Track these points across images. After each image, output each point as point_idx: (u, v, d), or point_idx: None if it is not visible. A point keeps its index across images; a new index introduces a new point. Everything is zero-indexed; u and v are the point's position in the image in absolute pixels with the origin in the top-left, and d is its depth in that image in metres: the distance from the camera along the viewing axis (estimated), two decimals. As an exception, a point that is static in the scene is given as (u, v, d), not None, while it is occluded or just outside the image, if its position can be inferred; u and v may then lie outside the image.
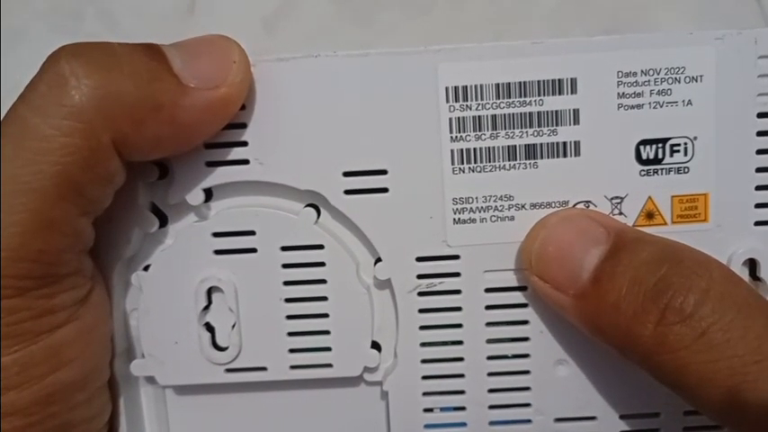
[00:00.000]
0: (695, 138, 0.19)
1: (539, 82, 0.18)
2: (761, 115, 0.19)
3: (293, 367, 0.20)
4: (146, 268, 0.20)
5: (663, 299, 0.16)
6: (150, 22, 0.26)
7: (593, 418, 0.20)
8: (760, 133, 0.19)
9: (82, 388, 0.18)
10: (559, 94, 0.18)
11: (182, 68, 0.17)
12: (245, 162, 0.19)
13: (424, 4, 0.28)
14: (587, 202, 0.19)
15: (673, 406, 0.20)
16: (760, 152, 0.19)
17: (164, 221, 0.20)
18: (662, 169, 0.19)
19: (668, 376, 0.17)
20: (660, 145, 0.19)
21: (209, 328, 0.20)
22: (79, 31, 0.25)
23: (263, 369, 0.20)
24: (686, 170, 0.19)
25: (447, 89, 0.18)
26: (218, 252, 0.19)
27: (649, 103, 0.19)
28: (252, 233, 0.19)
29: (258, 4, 0.27)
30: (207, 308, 0.20)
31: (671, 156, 0.19)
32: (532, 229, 0.19)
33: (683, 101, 0.18)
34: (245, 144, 0.19)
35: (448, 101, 0.19)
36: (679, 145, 0.19)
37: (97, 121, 0.16)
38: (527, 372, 0.20)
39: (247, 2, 0.27)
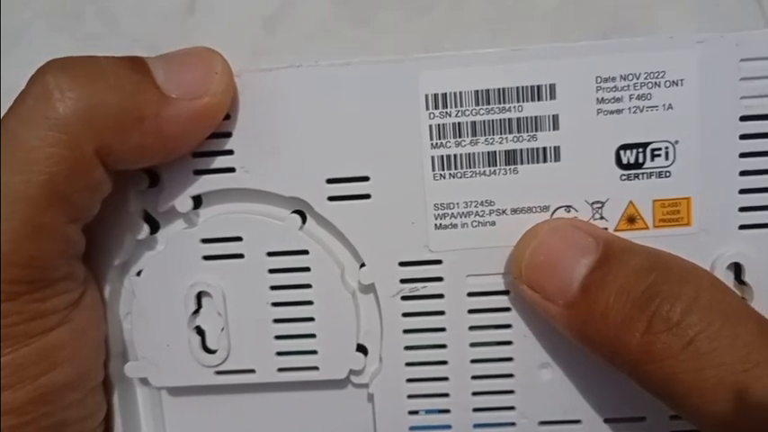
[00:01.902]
0: (676, 142, 0.19)
1: (518, 88, 0.19)
2: (744, 118, 0.18)
3: (281, 370, 0.20)
4: (139, 273, 0.20)
5: (650, 307, 0.16)
6: (150, 22, 0.26)
7: (577, 421, 0.20)
8: (743, 136, 0.19)
9: (75, 388, 0.19)
10: (538, 99, 0.19)
11: (165, 80, 0.17)
12: (232, 170, 0.20)
13: (424, 5, 0.28)
14: (568, 206, 0.19)
15: (659, 410, 0.20)
16: (743, 155, 0.19)
17: (156, 228, 0.21)
18: (643, 173, 0.19)
19: (656, 385, 0.17)
20: (641, 149, 0.19)
21: (200, 331, 0.20)
22: (79, 30, 0.25)
23: (252, 371, 0.20)
24: (668, 174, 0.19)
25: (427, 96, 0.19)
26: (206, 258, 0.20)
27: (629, 108, 0.19)
28: (239, 239, 0.20)
29: (258, 4, 0.27)
30: (197, 312, 0.20)
31: (652, 160, 0.19)
32: (523, 237, 0.19)
33: (664, 105, 0.18)
34: (230, 153, 0.19)
35: (428, 108, 0.19)
36: (660, 149, 0.19)
37: (81, 132, 0.16)
38: (511, 375, 0.20)
39: (247, 2, 0.27)
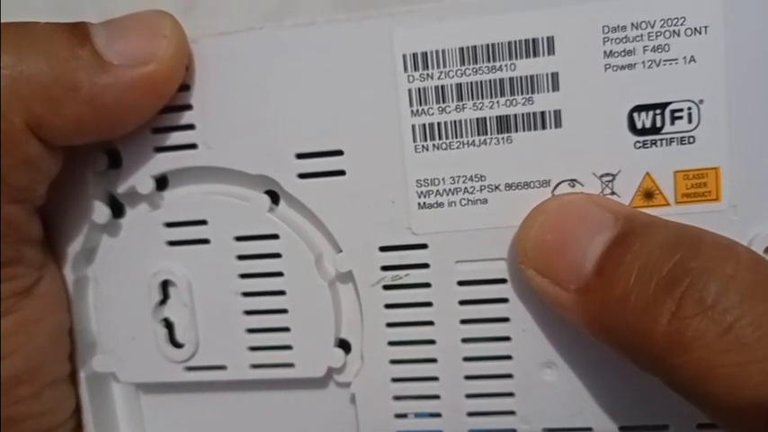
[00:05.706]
0: (701, 101, 0.16)
1: (509, 43, 0.16)
2: (782, 71, 0.15)
3: (254, 366, 0.18)
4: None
5: (678, 287, 0.14)
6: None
7: (588, 429, 0.17)
8: (782, 93, 0.15)
9: (26, 382, 0.17)
10: (534, 56, 0.16)
11: (105, 45, 0.16)
12: (193, 147, 0.18)
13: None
14: (573, 180, 0.16)
15: (684, 416, 0.17)
16: (783, 115, 0.15)
17: (121, 212, 0.19)
18: (661, 140, 0.16)
19: (686, 384, 0.14)
20: (658, 111, 0.16)
21: (169, 323, 0.19)
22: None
23: (223, 368, 0.19)
24: (691, 140, 0.16)
25: (404, 57, 0.16)
26: (170, 243, 0.18)
27: (643, 62, 0.16)
28: (203, 222, 0.18)
29: (258, 5, 0.26)
30: (165, 302, 0.19)
31: (672, 124, 0.16)
32: (529, 215, 0.17)
33: (685, 57, 0.16)
34: (192, 127, 0.18)
35: (406, 70, 0.16)
36: (681, 110, 0.16)
37: (7, 102, 0.15)
38: (509, 375, 0.17)
39: (248, 2, 0.26)
